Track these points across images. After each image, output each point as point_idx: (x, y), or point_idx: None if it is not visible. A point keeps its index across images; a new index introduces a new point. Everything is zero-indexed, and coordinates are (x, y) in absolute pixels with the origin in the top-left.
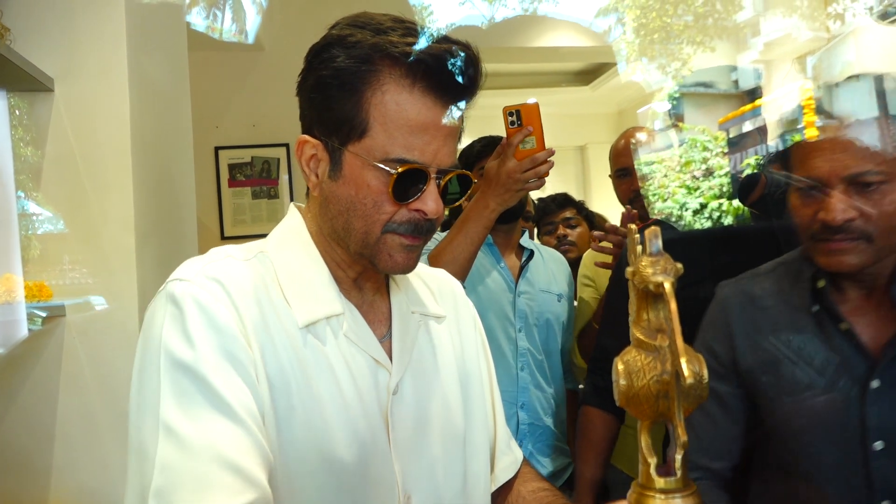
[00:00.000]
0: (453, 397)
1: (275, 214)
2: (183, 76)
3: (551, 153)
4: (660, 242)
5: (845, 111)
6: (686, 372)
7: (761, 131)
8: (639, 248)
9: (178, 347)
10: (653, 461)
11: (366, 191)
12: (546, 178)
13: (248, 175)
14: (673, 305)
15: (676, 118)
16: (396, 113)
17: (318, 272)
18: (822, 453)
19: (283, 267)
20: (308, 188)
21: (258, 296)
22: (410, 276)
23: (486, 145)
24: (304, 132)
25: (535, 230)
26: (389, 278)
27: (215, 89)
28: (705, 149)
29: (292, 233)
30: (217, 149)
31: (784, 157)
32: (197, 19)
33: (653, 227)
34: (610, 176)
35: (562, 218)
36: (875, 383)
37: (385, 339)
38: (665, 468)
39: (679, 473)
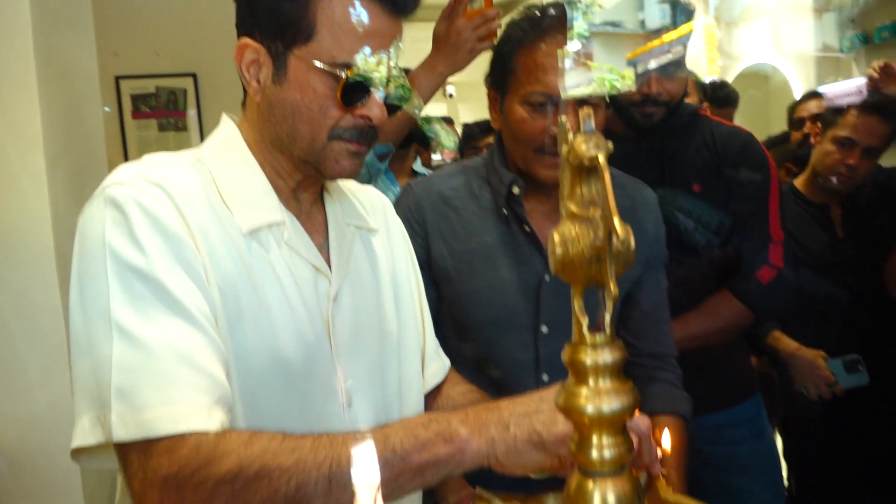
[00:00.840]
0: (388, 305)
1: (183, 148)
2: None
3: (498, 13)
4: (593, 122)
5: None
6: (620, 229)
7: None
8: (569, 134)
9: (126, 251)
10: (584, 321)
11: (311, 95)
12: (493, 40)
13: (153, 106)
14: (607, 175)
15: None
16: (344, 17)
17: (257, 181)
18: (501, 337)
19: (221, 176)
20: (244, 97)
21: (200, 202)
22: (343, 190)
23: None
24: (242, 36)
25: (460, 155)
26: (324, 191)
27: (115, 14)
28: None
29: (228, 142)
30: (118, 78)
31: (512, 72)
32: None
33: (586, 108)
34: None
35: (485, 143)
36: (547, 277)
37: (323, 248)
38: (595, 327)
39: (608, 330)
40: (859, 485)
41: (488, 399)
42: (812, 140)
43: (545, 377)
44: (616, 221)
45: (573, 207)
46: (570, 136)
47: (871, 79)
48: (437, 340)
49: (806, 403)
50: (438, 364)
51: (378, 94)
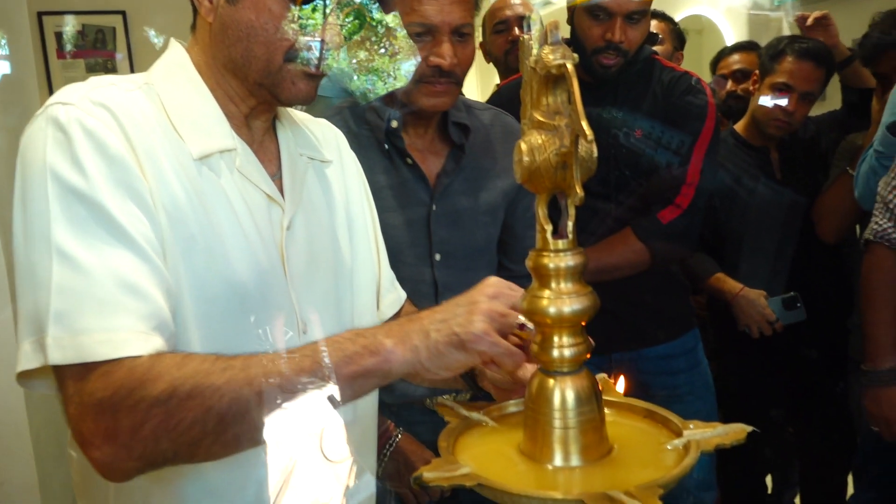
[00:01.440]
0: (341, 235)
1: None
2: None
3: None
4: (559, 34)
5: None
6: (587, 131)
7: None
8: (534, 49)
9: (67, 174)
10: (548, 228)
11: (267, 15)
12: None
13: (80, 46)
14: (575, 82)
15: None
16: None
17: (208, 106)
18: (398, 269)
19: (170, 100)
20: (194, 19)
21: (148, 125)
22: (296, 121)
23: None
24: None
25: None
26: (276, 121)
27: None
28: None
29: (177, 66)
30: (40, 14)
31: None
32: None
33: (552, 21)
34: (483, 42)
35: None
36: (434, 207)
37: (276, 177)
38: (558, 234)
39: (570, 237)
40: (779, 408)
41: None
42: (751, 87)
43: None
44: (584, 124)
45: (539, 117)
46: (535, 48)
47: (799, 22)
48: (392, 273)
49: (738, 337)
50: (394, 296)
51: (333, 17)
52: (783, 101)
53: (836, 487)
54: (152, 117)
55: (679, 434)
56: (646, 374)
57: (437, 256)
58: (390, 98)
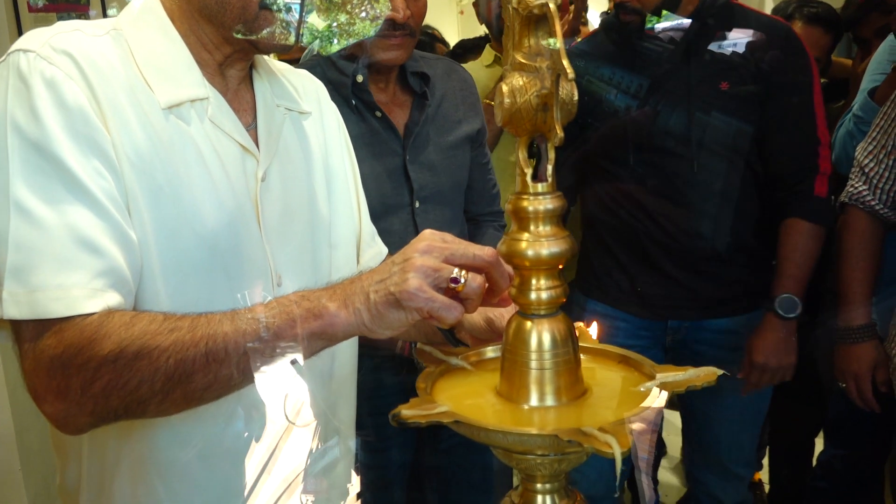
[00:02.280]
0: (319, 188)
1: None
2: None
3: None
4: None
5: None
6: (569, 70)
7: None
8: None
9: (26, 126)
10: (528, 171)
11: None
12: None
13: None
14: (557, 21)
15: None
16: None
17: (178, 54)
18: (382, 221)
19: (139, 46)
20: None
21: (113, 73)
22: (274, 71)
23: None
24: None
25: None
26: (253, 70)
27: None
28: None
29: (147, 11)
30: None
31: None
32: None
33: None
34: (475, 3)
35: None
36: (408, 157)
37: (251, 127)
38: (538, 177)
39: (550, 180)
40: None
41: None
42: None
43: None
44: (565, 62)
45: (520, 58)
46: None
47: None
48: (373, 227)
49: None
50: (375, 250)
51: None
52: None
53: (804, 447)
54: (118, 65)
55: (652, 377)
56: (702, 345)
57: (417, 204)
58: (350, 54)
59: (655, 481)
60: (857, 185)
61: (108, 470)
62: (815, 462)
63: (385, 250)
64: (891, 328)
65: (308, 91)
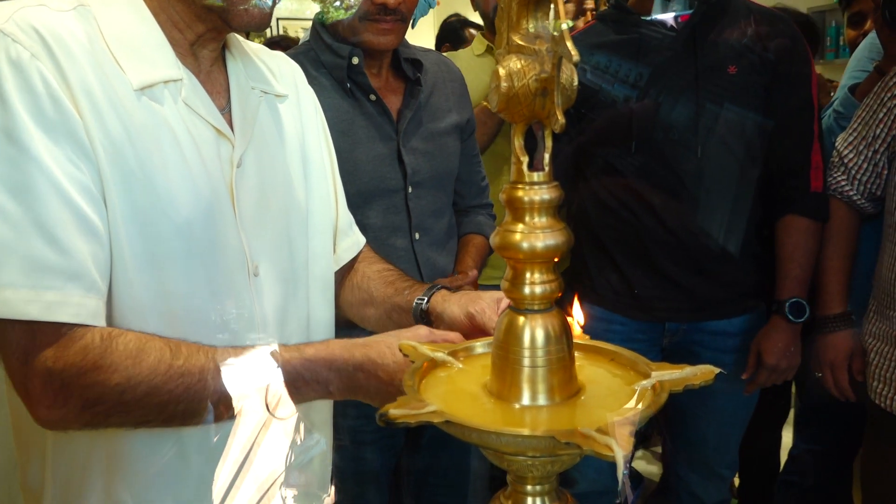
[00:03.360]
0: (295, 174)
1: None
2: None
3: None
4: None
5: None
6: (573, 52)
7: None
8: None
9: None
10: (525, 159)
11: None
12: None
13: None
14: (560, 1)
15: None
16: None
17: (150, 32)
18: (374, 204)
19: (109, 24)
20: None
21: (82, 52)
22: (248, 52)
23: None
24: None
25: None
26: (226, 52)
27: None
28: None
29: None
30: None
31: None
32: None
33: None
34: None
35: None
36: (401, 142)
37: (225, 111)
38: (534, 166)
39: (547, 169)
40: None
41: (404, 278)
42: None
43: (417, 236)
44: (569, 44)
45: (518, 40)
46: None
47: None
48: (350, 216)
49: None
50: (352, 240)
51: None
52: None
53: (772, 438)
54: (86, 43)
55: (647, 375)
56: (699, 347)
57: (410, 189)
58: (343, 37)
59: (633, 471)
60: (836, 177)
61: (78, 469)
62: (784, 455)
63: (362, 240)
64: (864, 322)
65: (284, 73)
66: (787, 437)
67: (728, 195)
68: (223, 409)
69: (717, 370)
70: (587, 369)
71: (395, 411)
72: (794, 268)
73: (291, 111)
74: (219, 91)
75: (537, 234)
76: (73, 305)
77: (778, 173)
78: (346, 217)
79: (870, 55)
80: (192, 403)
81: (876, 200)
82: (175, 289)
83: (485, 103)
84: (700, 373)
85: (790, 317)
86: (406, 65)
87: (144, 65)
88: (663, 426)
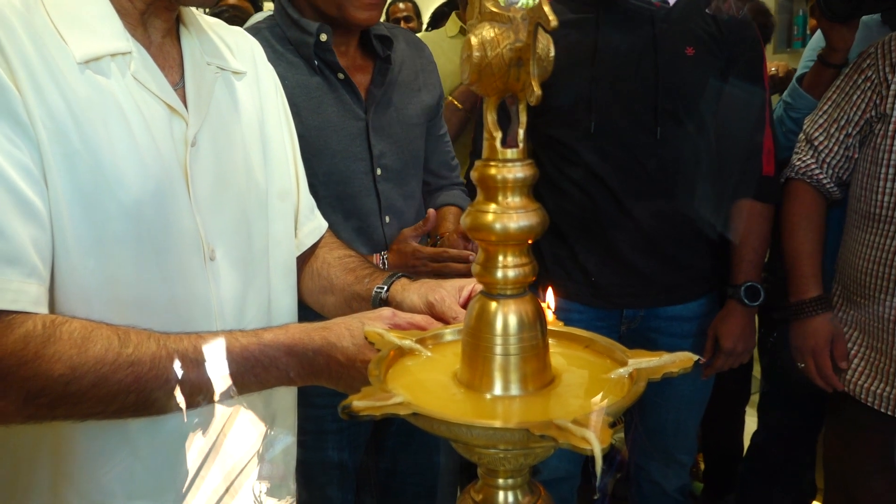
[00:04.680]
0: (254, 155)
1: None
2: None
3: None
4: None
5: None
6: (550, 17)
7: None
8: None
9: None
10: (498, 135)
11: None
12: None
13: None
14: None
15: None
16: None
17: (95, 1)
18: (345, 187)
19: None
20: None
21: (20, 22)
22: (204, 27)
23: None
24: None
25: None
26: (180, 25)
27: None
28: None
29: None
30: None
31: None
32: None
33: None
34: None
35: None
36: (370, 121)
37: (178, 86)
38: (507, 142)
39: (521, 146)
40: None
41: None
42: None
43: (387, 219)
44: (547, 10)
45: (492, 7)
46: None
47: None
48: (312, 199)
49: None
50: (314, 224)
51: None
52: None
53: (735, 420)
54: (25, 12)
55: (623, 363)
56: (656, 333)
57: (379, 171)
58: (313, 12)
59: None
60: (805, 160)
61: (25, 461)
62: (748, 439)
63: (325, 225)
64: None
65: (242, 49)
66: (751, 422)
67: (686, 178)
68: (177, 400)
69: (696, 357)
70: (561, 357)
71: (358, 403)
72: (748, 252)
73: (250, 89)
74: (171, 66)
75: (510, 215)
76: (12, 291)
77: (731, 157)
78: (308, 201)
79: (820, 45)
80: (143, 394)
81: (843, 185)
82: (123, 274)
83: (450, 98)
84: (678, 360)
85: (746, 301)
86: (376, 42)
87: (89, 36)
88: (624, 414)
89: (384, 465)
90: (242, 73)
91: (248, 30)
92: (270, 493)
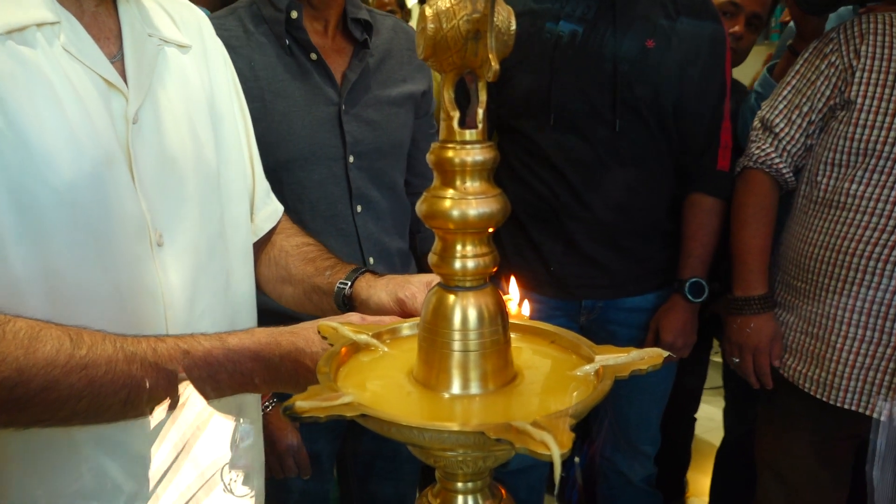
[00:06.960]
0: (203, 133)
1: None
2: None
3: None
4: None
5: None
6: None
7: None
8: None
9: None
10: (455, 115)
11: None
12: None
13: None
14: None
15: None
16: None
17: None
18: (311, 173)
19: None
20: None
21: None
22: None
23: None
24: None
25: None
26: None
27: None
28: None
29: None
30: None
31: None
32: None
33: None
34: None
35: None
36: (343, 106)
37: (116, 59)
38: (466, 123)
39: (480, 126)
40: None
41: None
42: None
43: (358, 208)
44: None
45: None
46: None
47: None
48: (267, 184)
49: None
50: (270, 208)
51: None
52: (729, 24)
53: (688, 404)
54: None
55: (590, 360)
56: (615, 325)
57: (351, 158)
58: None
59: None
60: (763, 148)
61: None
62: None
63: (280, 209)
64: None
65: (188, 21)
66: (707, 409)
67: (644, 171)
68: (132, 407)
69: (666, 353)
70: (525, 353)
71: (302, 404)
72: (696, 247)
73: (197, 63)
74: (108, 37)
75: (469, 201)
76: None
77: (687, 150)
78: (264, 184)
79: (791, 36)
80: (97, 399)
81: (797, 173)
82: (61, 265)
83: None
84: (647, 356)
85: (689, 296)
86: (353, 25)
87: (10, 4)
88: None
89: (363, 458)
90: (188, 47)
91: (225, 10)
92: (242, 483)
